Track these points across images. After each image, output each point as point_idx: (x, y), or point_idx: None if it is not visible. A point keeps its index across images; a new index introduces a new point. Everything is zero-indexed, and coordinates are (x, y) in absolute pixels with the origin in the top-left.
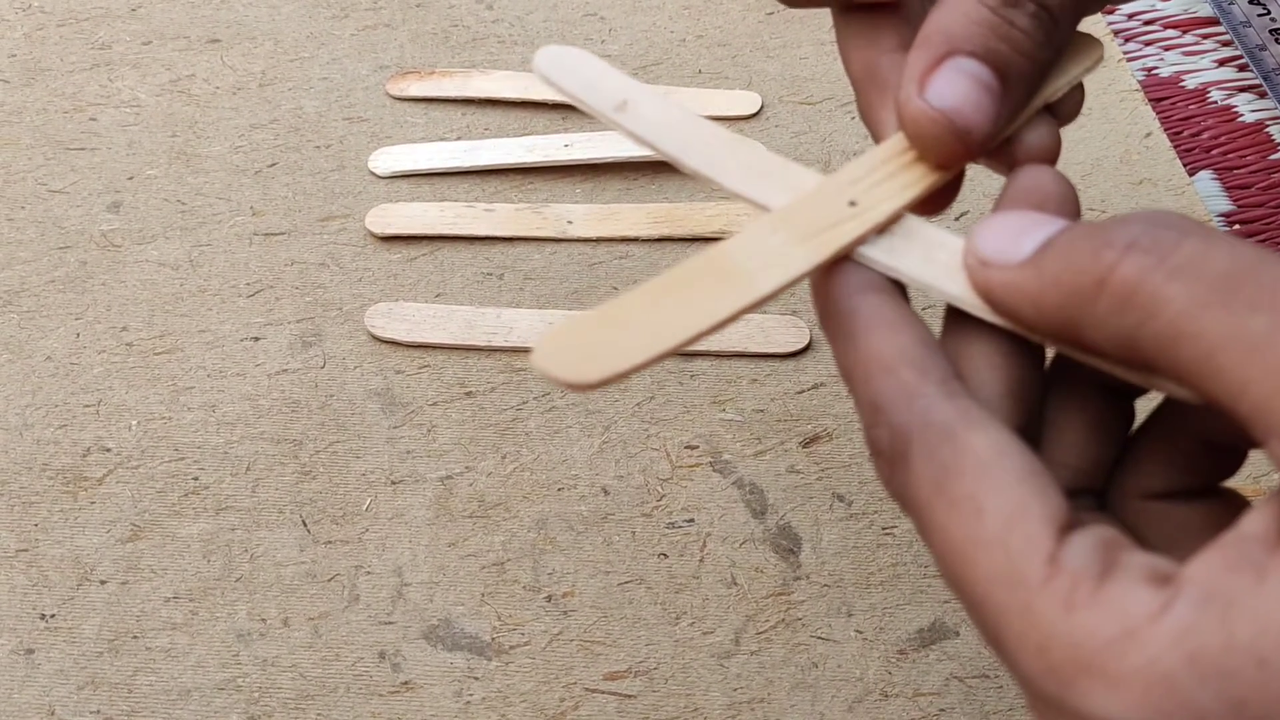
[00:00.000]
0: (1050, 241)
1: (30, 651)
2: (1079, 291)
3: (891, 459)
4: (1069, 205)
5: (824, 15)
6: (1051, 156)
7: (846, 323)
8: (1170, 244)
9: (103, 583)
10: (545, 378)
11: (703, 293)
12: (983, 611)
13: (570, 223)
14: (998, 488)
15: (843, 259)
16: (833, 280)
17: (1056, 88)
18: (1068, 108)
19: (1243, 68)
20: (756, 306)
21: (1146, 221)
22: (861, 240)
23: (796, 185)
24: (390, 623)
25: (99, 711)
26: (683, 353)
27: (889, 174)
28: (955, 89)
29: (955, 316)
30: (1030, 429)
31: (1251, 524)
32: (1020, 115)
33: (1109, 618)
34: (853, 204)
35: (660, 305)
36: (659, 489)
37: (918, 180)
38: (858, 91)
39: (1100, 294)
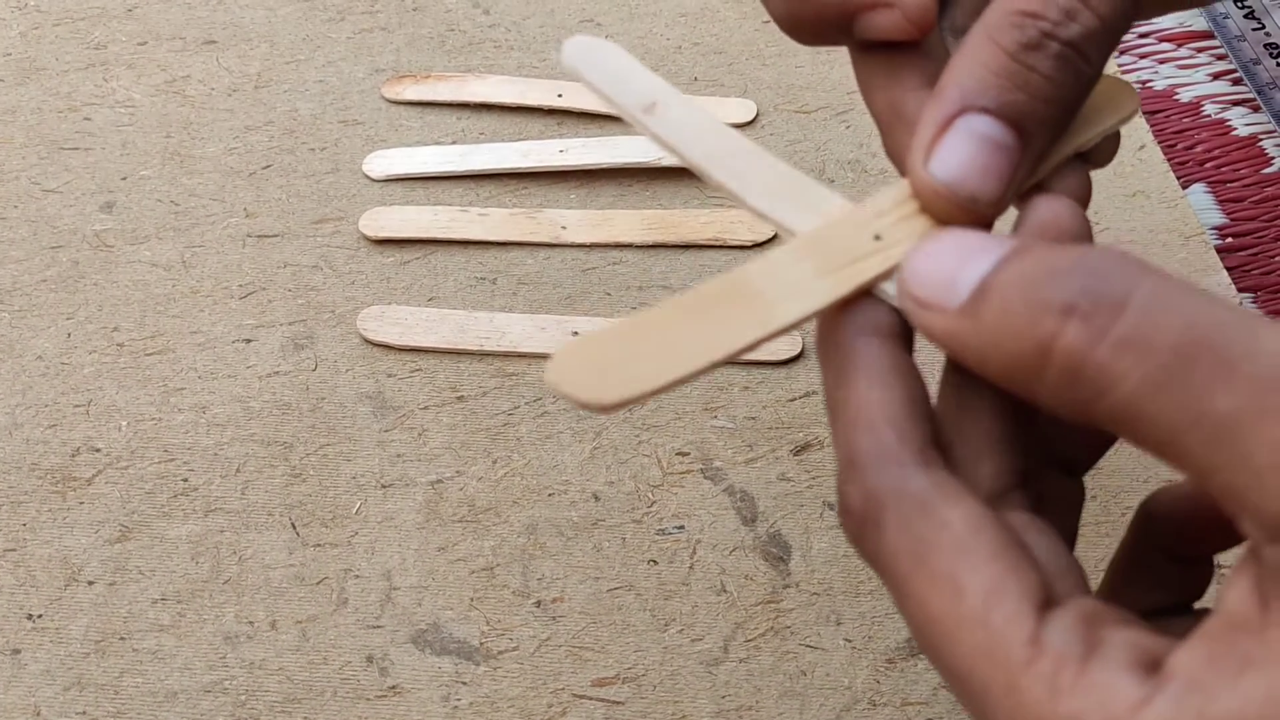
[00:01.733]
0: (985, 286)
1: (16, 652)
2: (1023, 359)
3: (862, 519)
4: (1083, 242)
5: None
6: (1082, 204)
7: (843, 361)
8: (1111, 310)
9: (90, 583)
10: (560, 397)
11: (722, 318)
12: (966, 686)
13: (564, 228)
14: (975, 565)
15: (861, 294)
16: (840, 314)
17: (1088, 138)
18: (1101, 155)
19: (1237, 81)
20: (774, 337)
21: (1085, 274)
22: (884, 277)
23: (820, 207)
24: (378, 626)
25: (85, 713)
26: None
27: (915, 209)
28: (961, 156)
29: None
30: (1027, 474)
31: (1234, 602)
32: (1049, 159)
33: (1093, 706)
34: (878, 238)
35: (679, 328)
36: (649, 495)
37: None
38: (883, 131)
39: (1046, 365)
